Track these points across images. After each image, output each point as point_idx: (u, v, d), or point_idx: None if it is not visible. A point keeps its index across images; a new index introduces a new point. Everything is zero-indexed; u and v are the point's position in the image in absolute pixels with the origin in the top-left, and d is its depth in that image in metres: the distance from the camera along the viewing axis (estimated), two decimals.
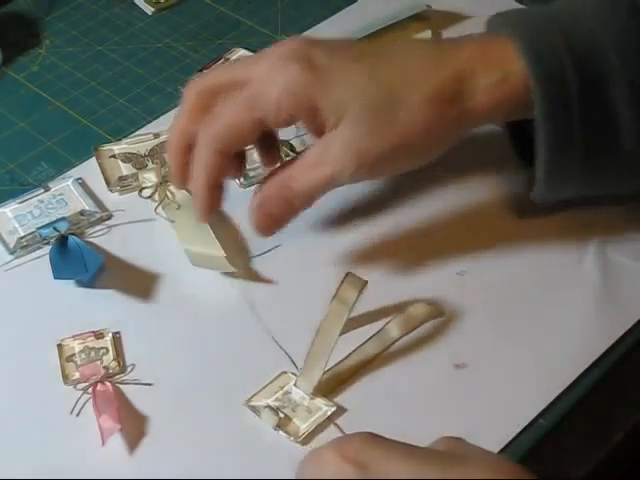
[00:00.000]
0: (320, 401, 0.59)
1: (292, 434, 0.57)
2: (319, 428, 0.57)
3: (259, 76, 0.60)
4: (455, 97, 0.60)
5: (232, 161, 0.62)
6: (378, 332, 0.62)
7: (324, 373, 0.59)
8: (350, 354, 0.61)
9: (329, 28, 0.84)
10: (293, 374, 0.60)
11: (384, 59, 0.61)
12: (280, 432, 0.57)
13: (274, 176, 0.62)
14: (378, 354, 0.61)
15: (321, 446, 0.49)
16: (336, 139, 0.59)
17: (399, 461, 0.46)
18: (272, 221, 0.62)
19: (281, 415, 0.58)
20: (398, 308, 0.63)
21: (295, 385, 0.59)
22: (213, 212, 0.64)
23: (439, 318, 0.63)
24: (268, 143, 0.64)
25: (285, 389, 0.59)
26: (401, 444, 0.47)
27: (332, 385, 0.60)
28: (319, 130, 0.60)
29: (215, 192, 0.63)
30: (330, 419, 0.58)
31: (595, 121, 0.60)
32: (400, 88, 0.60)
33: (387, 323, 0.62)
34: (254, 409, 0.58)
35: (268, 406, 0.58)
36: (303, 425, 0.58)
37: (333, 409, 0.58)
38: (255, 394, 0.59)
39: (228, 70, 0.65)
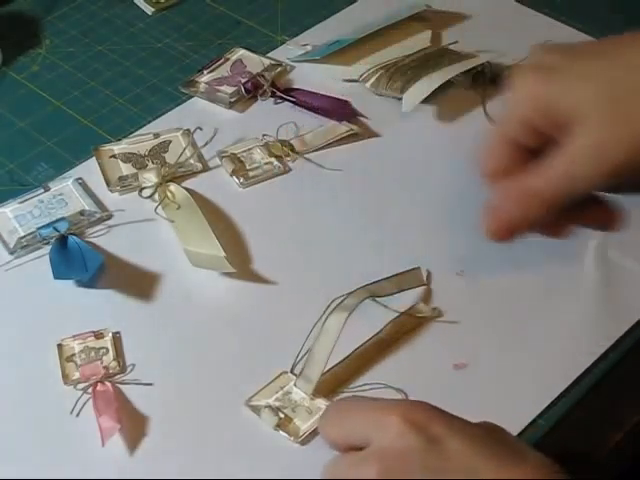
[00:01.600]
0: (320, 401, 0.59)
1: (292, 434, 0.57)
2: None
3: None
4: None
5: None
6: (378, 333, 0.62)
7: (324, 374, 0.59)
8: (350, 354, 0.61)
9: (329, 28, 0.84)
10: (293, 374, 0.60)
11: (627, 54, 0.53)
12: (280, 432, 0.57)
13: (514, 181, 0.55)
14: (378, 354, 0.61)
15: (380, 401, 0.49)
16: (576, 142, 0.52)
17: (462, 438, 0.47)
18: (509, 226, 0.55)
19: (281, 415, 0.58)
20: (398, 308, 0.63)
21: (295, 385, 0.59)
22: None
23: (439, 318, 0.63)
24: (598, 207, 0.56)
25: (285, 389, 0.60)
26: (462, 421, 0.48)
27: (332, 385, 0.60)
28: (559, 133, 0.53)
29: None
30: None
31: None
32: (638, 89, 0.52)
33: (387, 324, 0.62)
34: (254, 409, 0.59)
35: (268, 406, 0.59)
36: (303, 425, 0.58)
37: None
38: (255, 394, 0.59)
39: None
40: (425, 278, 0.65)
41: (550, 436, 0.58)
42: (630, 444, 0.59)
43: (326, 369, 0.59)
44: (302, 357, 0.60)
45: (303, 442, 0.57)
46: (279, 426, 0.58)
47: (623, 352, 0.62)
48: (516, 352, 0.61)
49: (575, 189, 0.53)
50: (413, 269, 0.65)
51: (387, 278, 0.63)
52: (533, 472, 0.47)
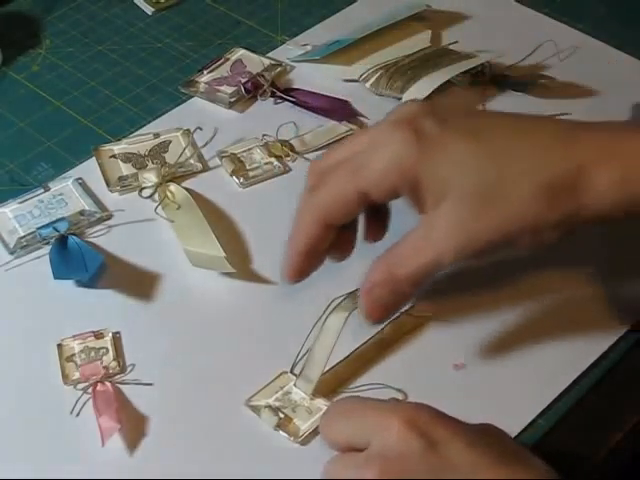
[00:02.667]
0: (320, 401, 0.59)
1: (292, 434, 0.57)
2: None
3: (366, 146, 0.56)
4: (571, 191, 0.54)
5: (338, 235, 0.58)
6: (378, 332, 0.62)
7: (324, 374, 0.59)
8: (350, 355, 0.61)
9: (329, 28, 0.84)
10: (293, 374, 0.60)
11: (499, 139, 0.55)
12: (280, 432, 0.57)
13: (379, 261, 0.57)
14: (378, 354, 0.61)
15: (381, 403, 0.50)
16: (439, 221, 0.54)
17: (462, 443, 0.47)
18: (382, 309, 0.57)
19: (281, 415, 0.58)
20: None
21: (295, 385, 0.59)
22: (299, 279, 0.59)
23: (440, 318, 0.63)
24: (377, 217, 0.60)
25: (285, 389, 0.60)
26: (463, 426, 0.48)
27: (332, 385, 0.60)
28: (422, 206, 0.56)
29: (309, 261, 0.58)
30: None
31: None
32: (512, 174, 0.54)
33: (387, 324, 0.62)
34: (254, 409, 0.59)
35: (268, 406, 0.59)
36: (303, 425, 0.58)
37: None
38: (255, 394, 0.59)
39: (346, 145, 0.59)
40: None
41: (550, 436, 0.58)
42: (630, 444, 0.59)
43: (326, 369, 0.59)
44: (302, 357, 0.60)
45: (303, 442, 0.57)
46: (279, 426, 0.58)
47: (623, 352, 0.62)
48: (516, 352, 0.61)
49: (439, 266, 0.54)
50: None
51: None
52: (533, 476, 0.47)
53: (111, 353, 0.61)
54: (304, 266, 0.58)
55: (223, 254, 0.66)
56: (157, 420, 0.59)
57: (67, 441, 0.58)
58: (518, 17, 0.85)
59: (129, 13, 0.87)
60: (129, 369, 0.61)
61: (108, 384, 0.59)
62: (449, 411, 0.52)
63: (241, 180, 0.72)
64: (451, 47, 0.81)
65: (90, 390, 0.59)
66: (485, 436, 0.49)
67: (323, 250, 0.58)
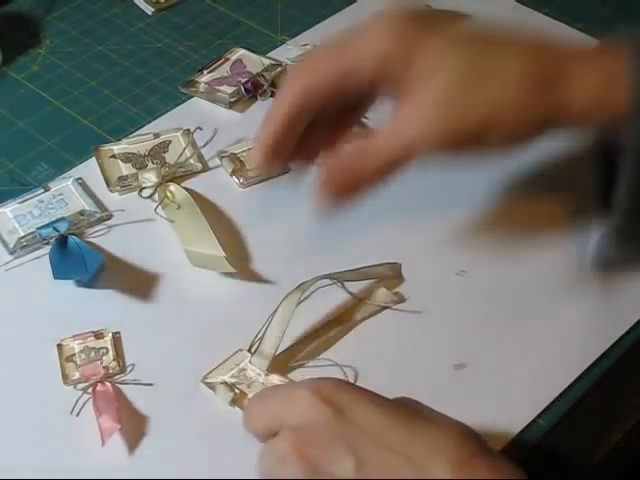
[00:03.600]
0: (275, 377, 0.59)
1: None
2: None
3: (352, 36, 0.57)
4: (552, 84, 0.55)
5: (303, 137, 0.58)
6: (338, 315, 0.63)
7: (282, 352, 0.60)
8: (306, 334, 0.62)
9: (329, 28, 0.84)
10: (249, 352, 0.61)
11: (483, 35, 0.57)
12: (235, 408, 0.58)
13: (333, 159, 0.57)
14: (334, 335, 0.62)
15: (290, 383, 0.52)
16: (419, 107, 0.54)
17: (369, 407, 0.48)
18: (337, 195, 0.56)
19: (236, 391, 0.59)
20: (364, 294, 0.64)
21: (250, 362, 0.60)
22: (275, 158, 0.58)
23: (439, 318, 0.63)
24: (344, 121, 0.60)
25: (241, 366, 0.60)
26: (369, 392, 0.50)
27: (287, 363, 0.60)
28: (402, 93, 0.55)
29: (287, 133, 0.57)
30: None
31: None
32: (496, 60, 0.55)
33: (347, 308, 0.63)
34: (210, 386, 0.59)
35: (224, 382, 0.59)
36: None
37: None
38: (211, 371, 0.60)
39: (334, 37, 0.60)
40: (401, 272, 0.66)
41: (550, 436, 0.58)
42: (630, 444, 0.59)
43: (283, 348, 0.60)
44: (261, 337, 0.61)
45: None
46: (234, 402, 0.58)
47: (623, 352, 0.62)
48: (516, 352, 0.61)
49: (414, 149, 0.54)
50: (391, 263, 0.66)
51: (359, 269, 0.64)
52: (443, 434, 0.48)
53: (111, 353, 0.61)
54: (284, 139, 0.58)
55: (223, 254, 0.66)
56: (157, 420, 0.59)
57: (67, 441, 0.58)
58: (518, 17, 0.85)
59: (129, 13, 0.87)
60: (129, 369, 0.61)
61: (108, 384, 0.59)
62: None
63: (241, 180, 0.72)
64: None
65: (90, 390, 0.59)
66: (394, 402, 0.50)
67: (294, 136, 0.58)
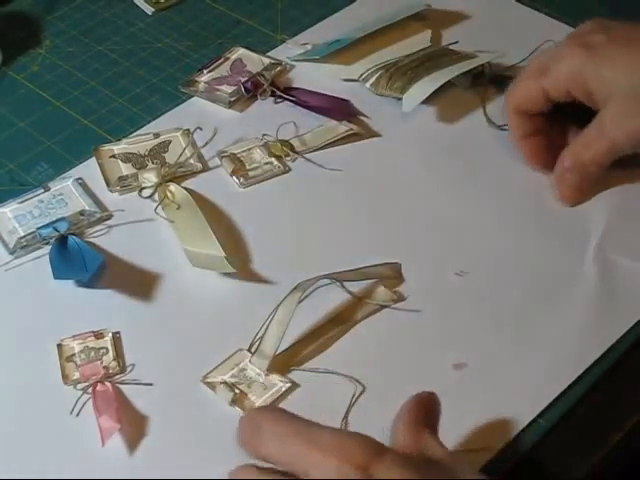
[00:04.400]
0: (275, 377, 0.60)
1: (247, 410, 0.58)
2: (275, 403, 0.58)
3: (550, 59, 0.70)
4: None
5: (539, 122, 0.72)
6: (338, 314, 0.63)
7: (282, 352, 0.60)
8: (307, 334, 0.62)
9: (329, 28, 0.84)
10: (249, 352, 0.61)
11: None
12: (236, 407, 0.58)
13: (564, 152, 0.70)
14: (334, 335, 0.62)
15: (319, 441, 0.47)
16: (607, 116, 0.67)
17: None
18: (575, 189, 0.70)
19: (236, 391, 0.59)
20: (364, 293, 0.64)
21: (250, 362, 0.60)
22: (539, 160, 0.72)
23: (438, 318, 0.63)
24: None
25: (241, 366, 0.60)
26: (407, 460, 0.47)
27: (287, 363, 0.60)
28: (595, 105, 0.68)
29: (529, 141, 0.72)
30: (284, 395, 0.59)
31: None
32: None
33: (347, 307, 0.63)
34: (210, 385, 0.59)
35: (224, 382, 0.59)
36: (258, 401, 0.59)
37: (288, 385, 0.59)
38: (211, 371, 0.60)
39: (537, 57, 0.74)
40: (401, 272, 0.66)
41: (550, 436, 0.58)
42: (630, 444, 0.59)
43: (284, 348, 0.60)
44: (261, 337, 0.61)
45: None
46: (234, 402, 0.58)
47: (623, 352, 0.62)
48: (516, 352, 0.61)
49: (615, 149, 0.67)
50: (390, 263, 0.66)
51: (358, 268, 0.64)
52: None
53: (111, 353, 0.61)
54: (531, 147, 0.72)
55: (223, 254, 0.66)
56: (157, 420, 0.59)
57: (67, 441, 0.58)
58: (518, 17, 0.85)
59: (129, 13, 0.87)
60: (129, 369, 0.61)
61: (108, 384, 0.59)
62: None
63: (241, 180, 0.72)
64: (451, 47, 0.81)
65: (90, 390, 0.59)
66: (431, 465, 0.48)
67: (536, 131, 0.72)
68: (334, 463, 0.46)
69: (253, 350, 0.61)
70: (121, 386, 0.60)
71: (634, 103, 0.66)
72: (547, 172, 0.71)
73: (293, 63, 0.81)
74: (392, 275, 0.65)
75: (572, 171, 0.69)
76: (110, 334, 0.62)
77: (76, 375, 0.60)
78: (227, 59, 0.81)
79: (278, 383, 0.59)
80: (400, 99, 0.76)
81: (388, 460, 0.46)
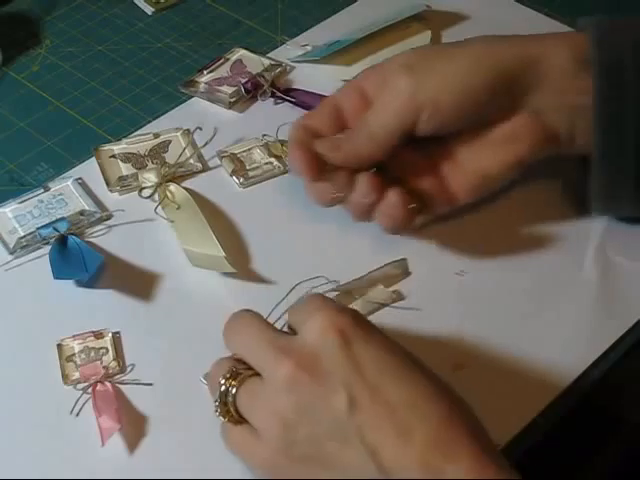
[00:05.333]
0: None
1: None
2: None
3: None
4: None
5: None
6: None
7: None
8: None
9: (329, 28, 0.84)
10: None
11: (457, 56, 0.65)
12: None
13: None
14: None
15: (318, 299, 0.53)
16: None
17: (377, 349, 0.50)
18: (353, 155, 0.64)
19: None
20: (363, 291, 0.64)
21: None
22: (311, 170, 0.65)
23: (439, 318, 0.63)
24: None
25: None
26: (383, 337, 0.51)
27: None
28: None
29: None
30: None
31: None
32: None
33: (347, 305, 0.63)
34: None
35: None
36: None
37: None
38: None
39: None
40: (408, 268, 0.66)
41: (550, 436, 0.58)
42: (630, 444, 0.59)
43: None
44: None
45: None
46: None
47: (623, 352, 0.62)
48: (516, 352, 0.61)
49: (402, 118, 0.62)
50: (397, 260, 0.66)
51: (365, 275, 0.64)
52: (434, 402, 0.49)
53: (111, 353, 0.61)
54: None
55: (223, 254, 0.66)
56: (157, 420, 0.59)
57: (67, 441, 0.58)
58: (518, 17, 0.85)
59: (129, 13, 0.87)
60: (129, 369, 0.61)
61: (108, 384, 0.59)
62: None
63: (241, 180, 0.72)
64: None
65: (90, 390, 0.59)
66: (404, 353, 0.51)
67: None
68: (321, 316, 0.51)
69: None
70: (121, 386, 0.60)
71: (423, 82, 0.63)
72: None
73: (293, 64, 0.81)
74: (401, 272, 0.65)
75: (353, 140, 0.64)
76: (110, 334, 0.62)
77: (76, 375, 0.60)
78: (227, 60, 0.81)
79: None
80: None
81: (370, 329, 0.52)
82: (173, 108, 0.77)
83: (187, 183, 0.72)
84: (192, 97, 0.78)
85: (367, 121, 0.63)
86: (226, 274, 0.65)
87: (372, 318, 0.63)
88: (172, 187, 0.71)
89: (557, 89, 0.63)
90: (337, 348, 0.50)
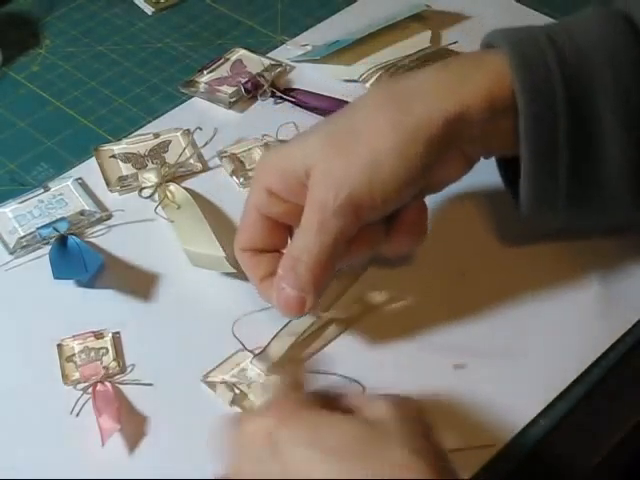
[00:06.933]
0: (275, 378, 0.59)
1: (248, 410, 0.58)
2: None
3: None
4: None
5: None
6: (339, 315, 0.63)
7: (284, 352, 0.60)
8: (308, 336, 0.62)
9: (329, 28, 0.84)
10: (250, 352, 0.61)
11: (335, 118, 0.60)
12: (236, 408, 0.58)
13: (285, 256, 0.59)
14: (337, 334, 0.62)
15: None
16: (316, 188, 0.57)
17: (305, 452, 0.46)
18: (297, 300, 0.58)
19: (236, 391, 0.59)
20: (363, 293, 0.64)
21: (251, 362, 0.60)
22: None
23: (438, 317, 0.63)
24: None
25: (241, 366, 0.60)
26: (315, 430, 0.47)
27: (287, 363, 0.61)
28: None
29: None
30: None
31: (581, 137, 0.57)
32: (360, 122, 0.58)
33: (347, 307, 0.63)
34: (210, 385, 0.59)
35: (224, 382, 0.59)
36: (258, 401, 0.58)
37: None
38: (211, 370, 0.60)
39: None
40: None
41: (550, 436, 0.58)
42: (630, 444, 0.59)
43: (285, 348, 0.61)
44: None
45: None
46: (234, 402, 0.58)
47: (623, 352, 0.62)
48: (516, 352, 0.61)
49: (327, 229, 0.56)
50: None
51: None
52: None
53: (111, 353, 0.61)
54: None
55: (223, 254, 0.66)
56: (157, 420, 0.59)
57: (67, 441, 0.58)
58: (518, 17, 0.85)
59: (129, 13, 0.87)
60: (129, 369, 0.61)
61: (108, 384, 0.59)
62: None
63: (241, 180, 0.72)
64: (451, 47, 0.81)
65: (90, 390, 0.59)
66: (334, 447, 0.47)
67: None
68: (248, 429, 0.49)
69: (257, 352, 0.61)
70: (121, 386, 0.60)
71: (337, 159, 0.56)
72: None
73: (293, 64, 0.81)
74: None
75: (292, 278, 0.57)
76: (110, 334, 0.62)
77: (76, 375, 0.60)
78: (227, 60, 0.81)
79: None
80: None
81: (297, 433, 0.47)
82: (173, 108, 0.77)
83: (187, 183, 0.72)
84: (192, 97, 0.78)
85: (299, 248, 0.58)
86: (226, 274, 0.65)
87: (372, 318, 0.63)
88: (172, 187, 0.71)
89: (477, 137, 0.59)
90: (265, 458, 0.47)
